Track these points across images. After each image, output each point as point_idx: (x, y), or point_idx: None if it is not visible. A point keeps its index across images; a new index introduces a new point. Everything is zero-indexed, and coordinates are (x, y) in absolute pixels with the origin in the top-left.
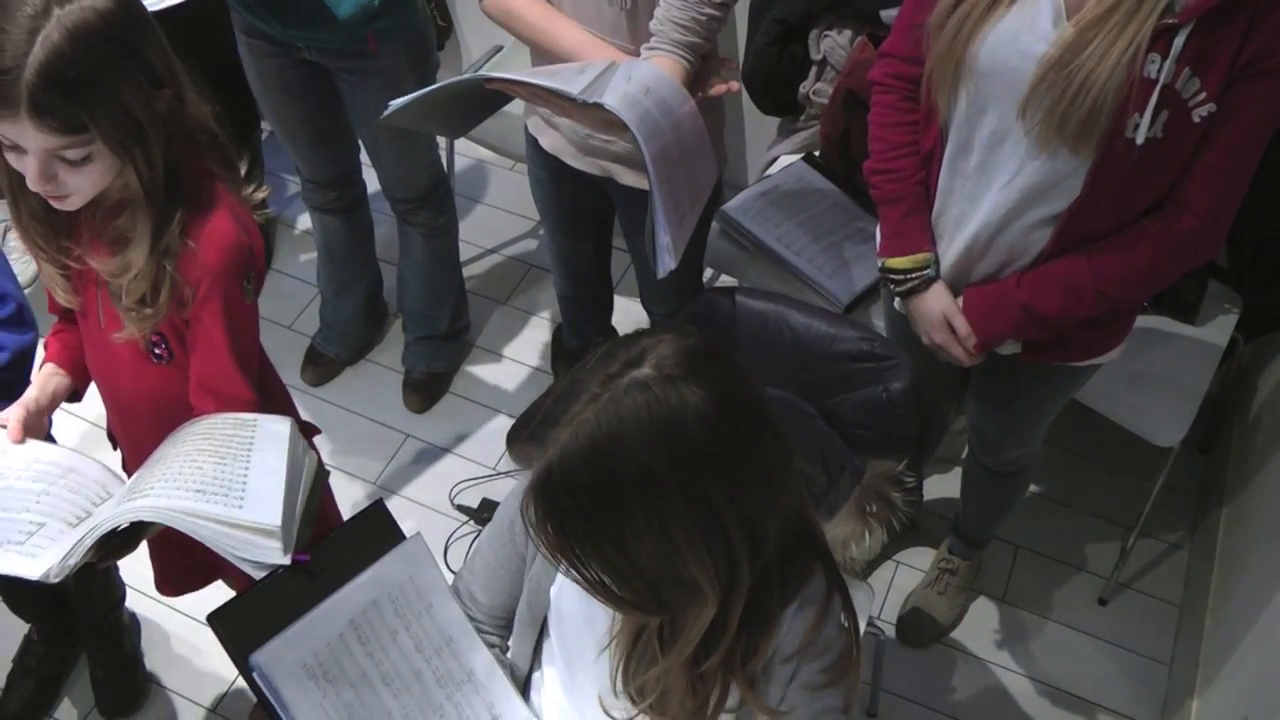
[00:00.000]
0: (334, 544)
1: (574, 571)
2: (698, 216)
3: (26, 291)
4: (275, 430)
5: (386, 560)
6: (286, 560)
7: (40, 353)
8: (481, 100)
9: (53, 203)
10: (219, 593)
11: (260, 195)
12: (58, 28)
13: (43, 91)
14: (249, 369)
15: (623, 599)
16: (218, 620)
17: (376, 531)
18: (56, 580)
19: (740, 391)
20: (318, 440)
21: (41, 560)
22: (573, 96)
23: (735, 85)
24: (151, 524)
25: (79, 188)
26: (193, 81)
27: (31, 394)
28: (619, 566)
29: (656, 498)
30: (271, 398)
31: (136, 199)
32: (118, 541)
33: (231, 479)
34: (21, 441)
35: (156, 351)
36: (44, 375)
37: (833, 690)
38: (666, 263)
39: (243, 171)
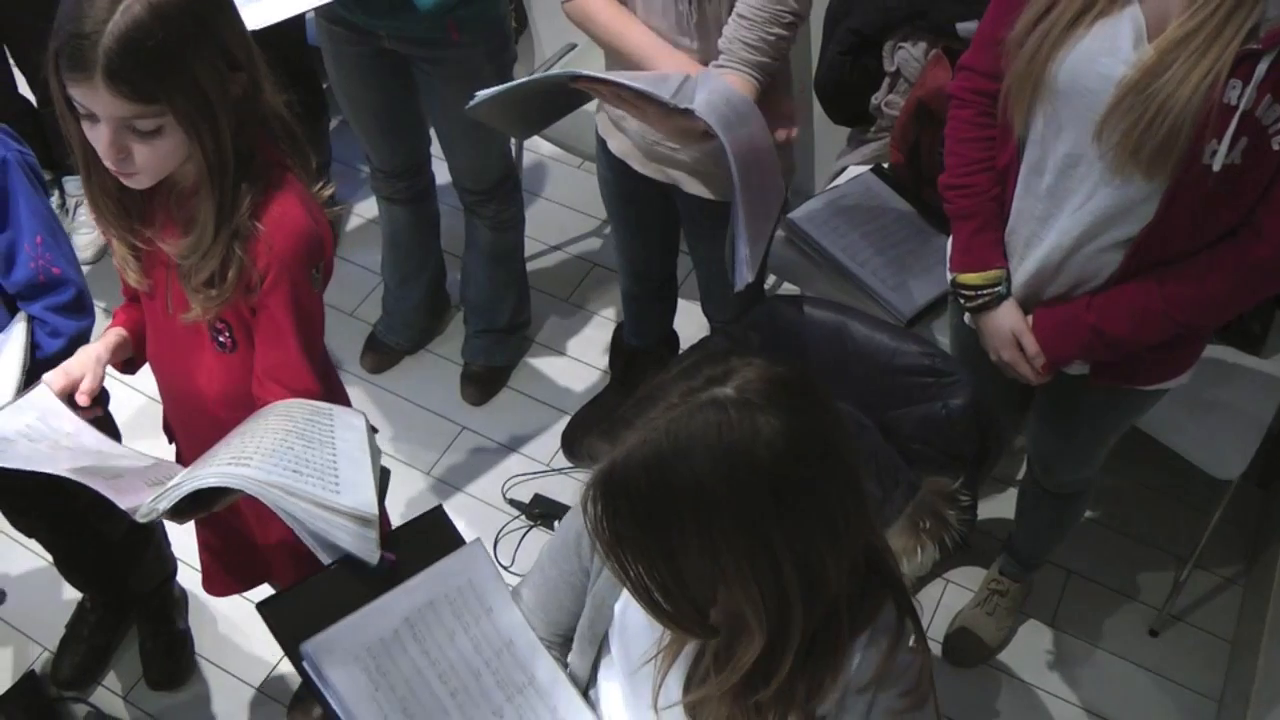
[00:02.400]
0: (393, 545)
1: (622, 575)
2: (770, 231)
3: (90, 268)
4: (352, 423)
5: (444, 563)
6: (376, 557)
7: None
8: (561, 100)
9: (122, 179)
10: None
11: (327, 192)
12: (140, 0)
13: (118, 57)
14: (314, 359)
15: (666, 612)
16: (268, 609)
17: (435, 534)
18: (144, 520)
19: (819, 432)
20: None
21: (130, 498)
22: (665, 100)
23: (795, 133)
24: (228, 494)
25: (147, 163)
26: (270, 71)
27: (96, 348)
28: (665, 580)
29: (710, 521)
30: (331, 392)
31: (204, 179)
32: (192, 504)
33: (323, 463)
34: (90, 405)
35: (221, 340)
36: (111, 334)
37: (917, 713)
38: (744, 275)
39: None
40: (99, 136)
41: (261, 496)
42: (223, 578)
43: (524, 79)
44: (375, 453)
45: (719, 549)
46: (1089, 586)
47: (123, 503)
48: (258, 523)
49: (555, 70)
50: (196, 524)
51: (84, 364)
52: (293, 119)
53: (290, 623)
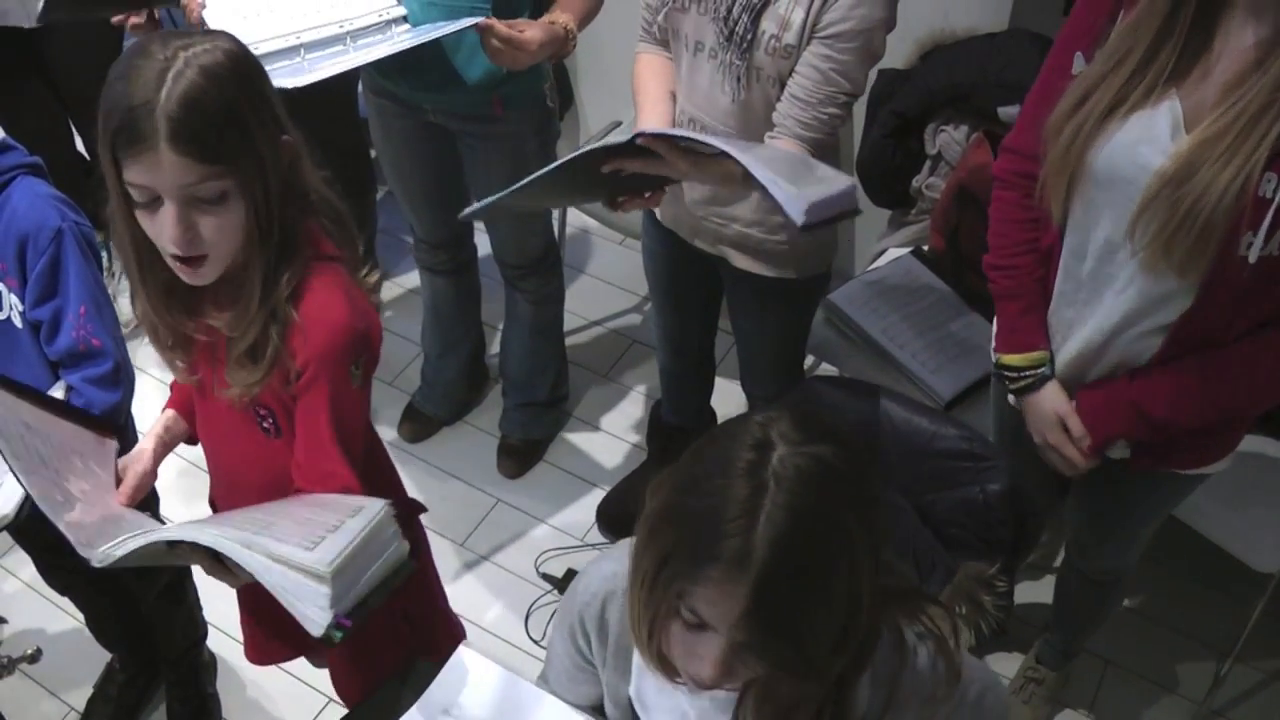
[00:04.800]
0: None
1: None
2: (832, 213)
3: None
4: (369, 515)
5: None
6: (329, 616)
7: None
8: (586, 182)
9: (185, 274)
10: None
11: (372, 279)
12: (189, 66)
13: (181, 118)
14: (352, 452)
15: (805, 671)
16: None
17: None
18: (99, 566)
19: (850, 435)
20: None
21: (94, 548)
22: (670, 134)
23: None
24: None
25: (215, 241)
26: (307, 146)
27: (148, 444)
28: (813, 643)
29: (854, 554)
30: (378, 476)
31: (252, 247)
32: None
33: (303, 535)
34: (130, 504)
35: (265, 425)
36: (165, 420)
37: (952, 688)
38: (797, 211)
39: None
40: (164, 219)
41: (218, 546)
42: (263, 648)
43: (511, 188)
44: (390, 538)
45: (859, 576)
46: (1128, 677)
47: (85, 552)
48: None
49: (548, 168)
50: (240, 592)
51: (136, 472)
52: (334, 196)
53: None
